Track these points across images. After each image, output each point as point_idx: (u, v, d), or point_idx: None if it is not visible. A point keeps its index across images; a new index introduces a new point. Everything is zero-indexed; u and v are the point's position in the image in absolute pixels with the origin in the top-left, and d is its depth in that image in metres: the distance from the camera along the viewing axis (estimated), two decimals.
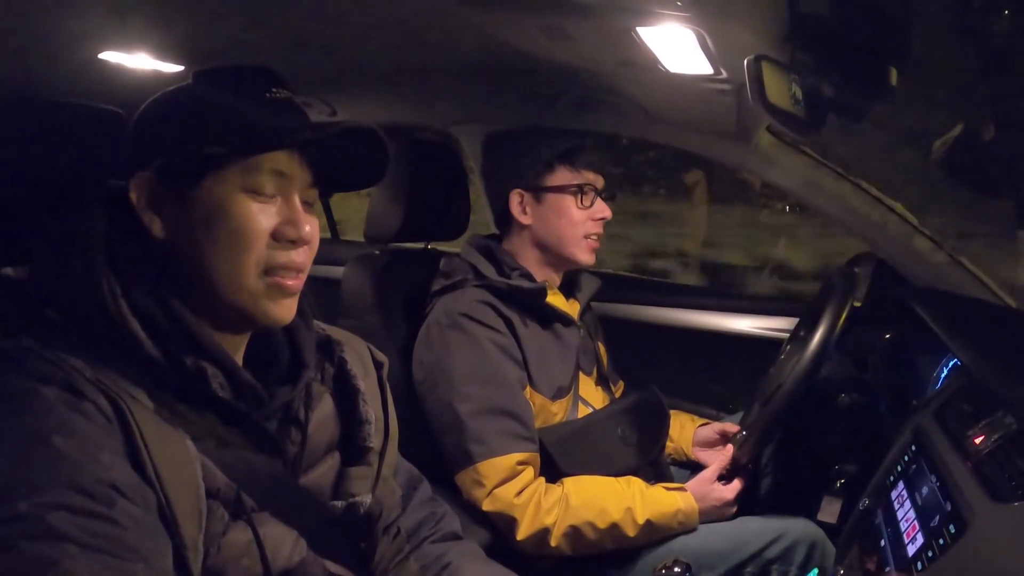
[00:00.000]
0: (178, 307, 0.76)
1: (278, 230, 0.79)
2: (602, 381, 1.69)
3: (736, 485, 1.45)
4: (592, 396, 1.61)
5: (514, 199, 1.55)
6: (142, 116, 0.82)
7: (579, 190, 1.53)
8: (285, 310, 0.82)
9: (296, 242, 0.80)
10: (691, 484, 1.45)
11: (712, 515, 1.44)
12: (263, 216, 0.78)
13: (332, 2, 1.27)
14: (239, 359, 0.84)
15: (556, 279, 1.62)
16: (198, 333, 0.76)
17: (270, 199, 0.79)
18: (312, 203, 0.85)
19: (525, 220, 1.55)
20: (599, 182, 1.57)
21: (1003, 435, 0.94)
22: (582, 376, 1.61)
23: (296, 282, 0.81)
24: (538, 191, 1.54)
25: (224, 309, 0.79)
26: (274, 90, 0.81)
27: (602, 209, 1.56)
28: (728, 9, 1.11)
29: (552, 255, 1.58)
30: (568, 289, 1.66)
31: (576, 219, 1.54)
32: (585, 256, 1.57)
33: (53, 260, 0.77)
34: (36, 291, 0.76)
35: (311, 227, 0.81)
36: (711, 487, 1.45)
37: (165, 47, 1.57)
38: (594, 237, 1.56)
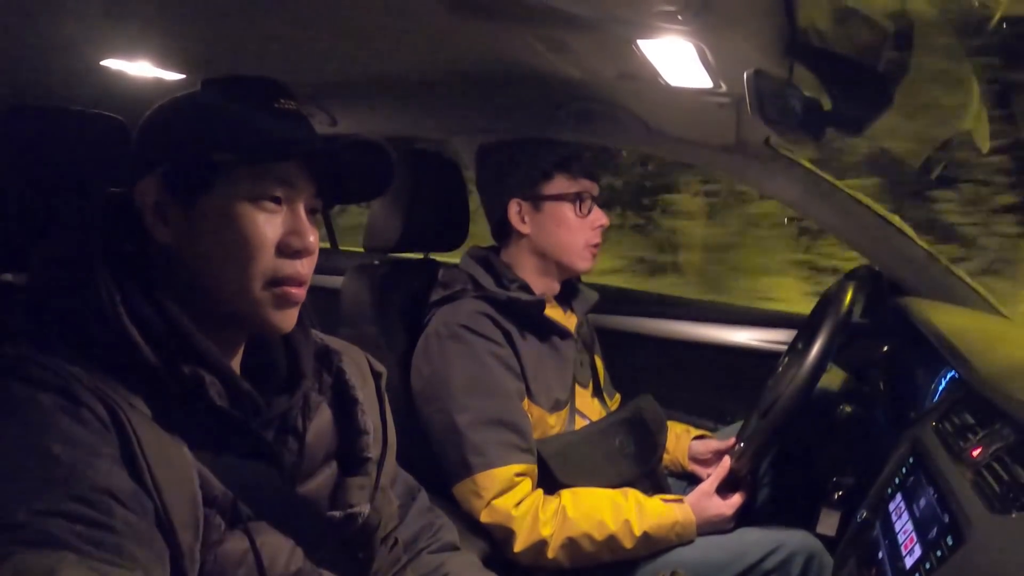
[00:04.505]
0: (177, 314, 0.76)
1: (283, 241, 0.80)
2: (598, 394, 1.69)
3: (735, 501, 1.45)
4: (588, 409, 1.61)
5: (512, 208, 1.55)
6: (149, 121, 0.83)
7: (577, 198, 1.54)
8: (288, 319, 0.83)
9: (301, 252, 0.81)
10: (690, 497, 1.45)
11: (710, 529, 1.43)
12: (269, 227, 0.79)
13: (333, 12, 1.28)
14: (237, 367, 0.85)
15: (555, 288, 1.62)
16: (196, 341, 0.76)
17: (276, 209, 0.79)
18: (316, 214, 0.85)
19: (524, 229, 1.56)
20: (595, 190, 1.58)
21: (1001, 447, 0.94)
22: (578, 389, 1.60)
23: (300, 291, 0.82)
24: (537, 200, 1.55)
25: (224, 317, 0.80)
26: (282, 100, 0.82)
27: (600, 217, 1.57)
28: (728, 23, 1.12)
29: (551, 264, 1.58)
30: (565, 302, 1.67)
31: (575, 227, 1.54)
32: (584, 264, 1.57)
33: (53, 266, 0.77)
34: (35, 297, 0.76)
35: (314, 237, 0.82)
36: (710, 501, 1.44)
37: (166, 55, 1.58)
38: (593, 245, 1.57)
